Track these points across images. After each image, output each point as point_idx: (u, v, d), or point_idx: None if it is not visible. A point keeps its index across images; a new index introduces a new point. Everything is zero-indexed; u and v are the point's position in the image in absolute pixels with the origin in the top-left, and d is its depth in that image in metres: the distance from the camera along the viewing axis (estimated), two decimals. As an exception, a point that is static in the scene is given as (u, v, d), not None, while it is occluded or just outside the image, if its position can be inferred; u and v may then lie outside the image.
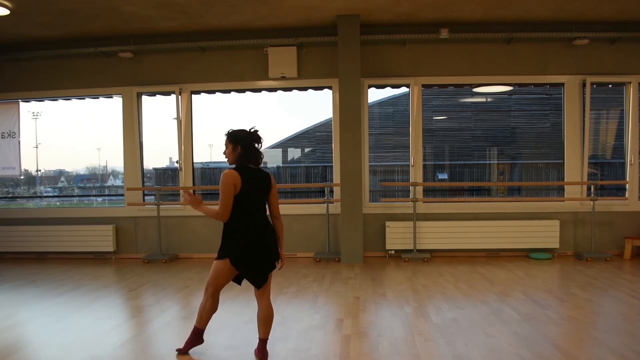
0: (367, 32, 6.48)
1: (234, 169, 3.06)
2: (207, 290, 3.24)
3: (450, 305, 4.33)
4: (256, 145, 3.09)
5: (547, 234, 6.54)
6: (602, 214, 6.68)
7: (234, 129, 3.10)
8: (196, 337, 3.34)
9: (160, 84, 7.05)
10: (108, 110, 7.44)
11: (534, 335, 3.54)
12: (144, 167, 7.38)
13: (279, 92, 7.08)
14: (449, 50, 6.74)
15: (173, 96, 7.07)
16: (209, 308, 3.26)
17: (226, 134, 3.10)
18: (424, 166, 6.94)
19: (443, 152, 7.44)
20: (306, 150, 7.94)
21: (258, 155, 3.11)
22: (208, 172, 7.79)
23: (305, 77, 6.85)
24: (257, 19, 6.33)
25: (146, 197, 7.38)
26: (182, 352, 3.32)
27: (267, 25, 6.56)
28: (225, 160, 3.14)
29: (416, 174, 6.84)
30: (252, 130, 3.09)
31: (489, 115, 7.53)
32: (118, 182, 8.65)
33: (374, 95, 7.15)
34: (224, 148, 3.12)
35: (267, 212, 3.19)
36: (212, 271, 3.17)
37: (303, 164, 7.88)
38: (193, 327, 3.34)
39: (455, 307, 4.28)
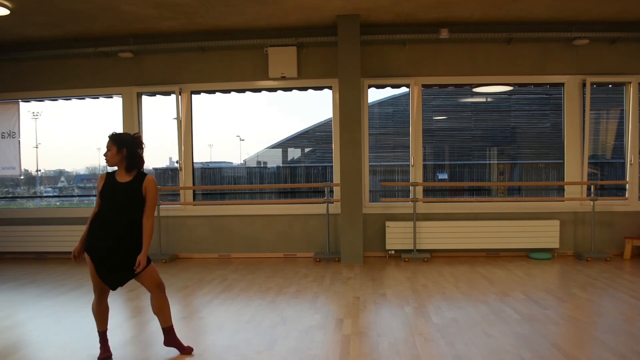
0: (367, 32, 6.48)
1: (145, 174, 3.21)
2: (163, 289, 3.28)
3: (450, 305, 4.33)
4: (138, 150, 3.21)
5: (547, 234, 6.54)
6: (602, 214, 6.68)
7: (117, 132, 3.20)
8: (172, 336, 3.34)
9: (160, 84, 7.05)
10: (108, 110, 7.45)
11: (534, 335, 3.54)
12: (144, 167, 7.36)
13: (279, 92, 7.08)
14: (449, 50, 6.74)
15: (173, 96, 7.07)
16: (168, 304, 3.31)
17: (110, 136, 3.15)
18: (424, 166, 6.94)
19: (443, 152, 7.44)
20: (306, 150, 7.94)
21: (143, 160, 3.25)
22: (208, 172, 7.79)
23: (305, 77, 6.85)
24: (257, 19, 6.33)
25: (146, 197, 7.37)
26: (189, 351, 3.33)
27: (267, 25, 6.56)
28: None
29: (416, 174, 6.84)
30: (136, 135, 3.22)
31: (489, 115, 7.53)
32: (118, 182, 8.62)
33: (374, 95, 7.15)
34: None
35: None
36: (155, 273, 3.22)
37: (303, 164, 7.88)
38: (166, 328, 3.31)
39: (455, 307, 4.28)
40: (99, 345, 3.27)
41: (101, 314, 3.26)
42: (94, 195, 9.75)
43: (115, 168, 3.19)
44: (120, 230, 3.12)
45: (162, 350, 3.41)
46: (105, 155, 3.13)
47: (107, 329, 3.31)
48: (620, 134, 7.00)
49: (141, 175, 3.20)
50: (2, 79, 7.26)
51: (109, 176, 3.18)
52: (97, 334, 3.29)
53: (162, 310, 3.27)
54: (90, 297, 4.83)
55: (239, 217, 7.02)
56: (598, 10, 6.10)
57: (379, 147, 7.19)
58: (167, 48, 6.81)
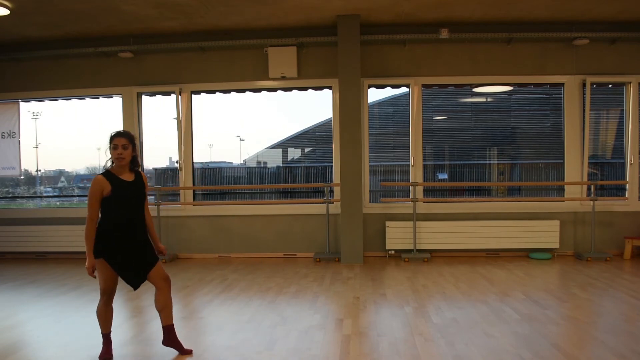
0: (367, 32, 6.48)
1: (138, 170, 3.25)
2: (170, 283, 3.30)
3: (450, 305, 4.33)
4: None
5: (547, 234, 6.53)
6: (602, 214, 6.68)
7: (125, 130, 3.19)
8: (172, 336, 3.32)
9: (160, 84, 7.05)
10: (108, 110, 7.45)
11: (534, 335, 3.54)
12: (144, 167, 7.38)
13: (279, 92, 7.08)
14: (449, 50, 6.74)
15: (173, 96, 7.07)
16: (172, 301, 3.35)
17: (125, 134, 3.12)
18: (424, 166, 6.93)
19: (443, 152, 7.44)
20: (306, 150, 7.94)
21: None
22: (208, 172, 7.79)
23: (305, 77, 6.85)
24: (257, 19, 6.33)
25: (146, 197, 7.37)
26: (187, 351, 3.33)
27: (267, 25, 6.56)
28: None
29: (416, 174, 6.84)
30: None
31: (489, 115, 7.53)
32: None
33: (374, 95, 7.15)
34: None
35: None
36: (162, 267, 3.28)
37: (303, 164, 7.88)
38: (167, 326, 3.29)
39: (455, 307, 4.28)
40: (101, 345, 3.26)
41: (108, 317, 3.24)
42: (94, 195, 9.67)
43: (103, 170, 3.16)
44: (137, 229, 3.16)
45: (162, 350, 3.41)
46: (121, 153, 3.06)
47: (111, 331, 3.31)
48: (620, 134, 6.99)
49: (137, 172, 3.23)
50: (2, 79, 7.26)
51: (110, 177, 3.07)
52: (99, 334, 3.29)
53: (166, 306, 3.26)
54: (90, 298, 4.84)
55: (239, 217, 7.02)
56: (598, 10, 6.10)
57: (379, 147, 7.19)
58: (167, 48, 6.81)
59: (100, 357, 3.22)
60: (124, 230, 3.12)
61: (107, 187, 3.04)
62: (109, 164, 3.15)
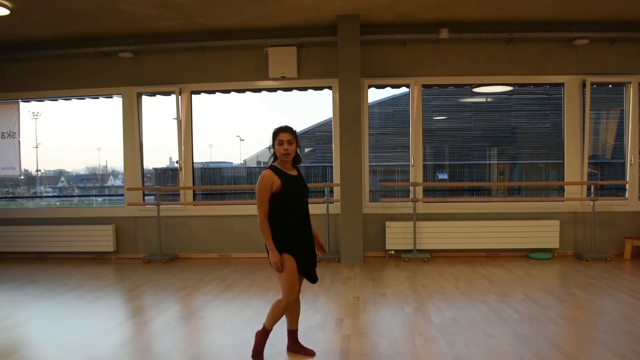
0: (367, 32, 6.48)
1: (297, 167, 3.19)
2: (282, 297, 3.22)
3: (450, 305, 4.33)
4: None
5: (547, 234, 6.53)
6: (602, 214, 6.68)
7: (285, 125, 3.08)
8: (291, 340, 3.35)
9: (160, 84, 7.05)
10: (108, 110, 7.45)
11: (534, 335, 3.54)
12: (144, 167, 7.38)
13: (279, 92, 7.08)
14: (449, 50, 6.74)
15: (173, 96, 7.07)
16: (280, 310, 3.27)
17: (290, 130, 3.05)
18: (424, 166, 6.93)
19: (443, 152, 7.44)
20: (306, 150, 7.94)
21: None
22: (208, 172, 7.79)
23: (305, 77, 6.85)
24: (257, 19, 6.33)
25: (146, 197, 7.38)
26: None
27: (267, 25, 6.57)
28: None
29: (416, 174, 6.84)
30: None
31: (489, 115, 7.53)
32: (118, 182, 8.67)
33: (374, 95, 7.16)
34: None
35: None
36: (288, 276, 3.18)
37: (303, 164, 7.85)
38: (289, 330, 3.32)
39: (455, 307, 4.28)
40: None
41: (288, 313, 3.24)
42: (94, 195, 9.78)
43: (267, 166, 3.07)
44: (309, 224, 3.14)
45: (161, 350, 3.41)
46: (287, 149, 2.99)
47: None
48: (620, 134, 7.00)
49: (297, 168, 3.19)
50: (2, 79, 7.27)
51: (278, 172, 3.01)
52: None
53: (290, 311, 3.26)
54: (90, 298, 4.84)
55: (239, 217, 7.01)
56: (598, 10, 6.10)
57: (379, 147, 7.19)
58: (167, 48, 6.81)
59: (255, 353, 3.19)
60: (300, 225, 3.07)
61: (276, 181, 2.98)
62: (272, 160, 3.09)
